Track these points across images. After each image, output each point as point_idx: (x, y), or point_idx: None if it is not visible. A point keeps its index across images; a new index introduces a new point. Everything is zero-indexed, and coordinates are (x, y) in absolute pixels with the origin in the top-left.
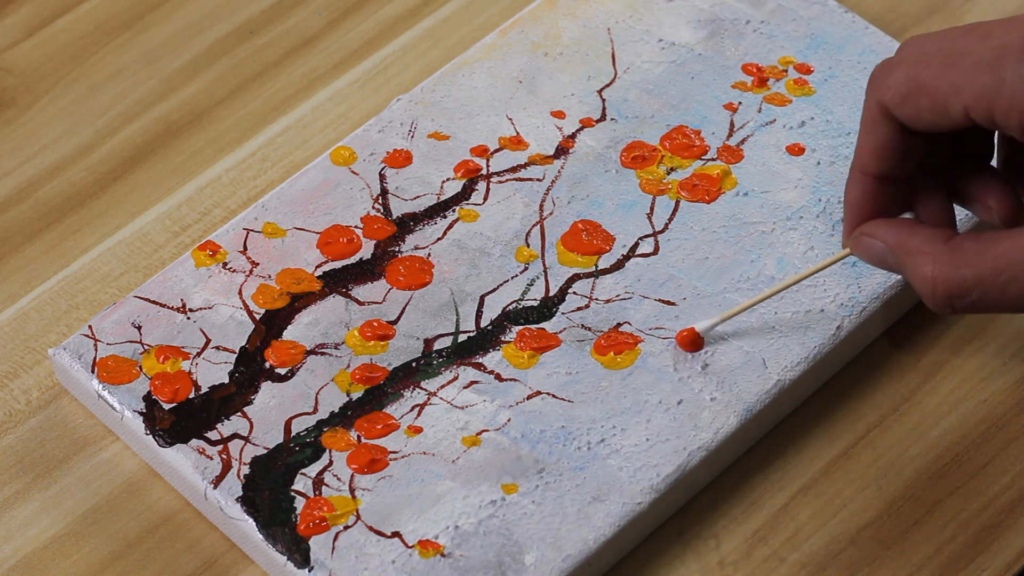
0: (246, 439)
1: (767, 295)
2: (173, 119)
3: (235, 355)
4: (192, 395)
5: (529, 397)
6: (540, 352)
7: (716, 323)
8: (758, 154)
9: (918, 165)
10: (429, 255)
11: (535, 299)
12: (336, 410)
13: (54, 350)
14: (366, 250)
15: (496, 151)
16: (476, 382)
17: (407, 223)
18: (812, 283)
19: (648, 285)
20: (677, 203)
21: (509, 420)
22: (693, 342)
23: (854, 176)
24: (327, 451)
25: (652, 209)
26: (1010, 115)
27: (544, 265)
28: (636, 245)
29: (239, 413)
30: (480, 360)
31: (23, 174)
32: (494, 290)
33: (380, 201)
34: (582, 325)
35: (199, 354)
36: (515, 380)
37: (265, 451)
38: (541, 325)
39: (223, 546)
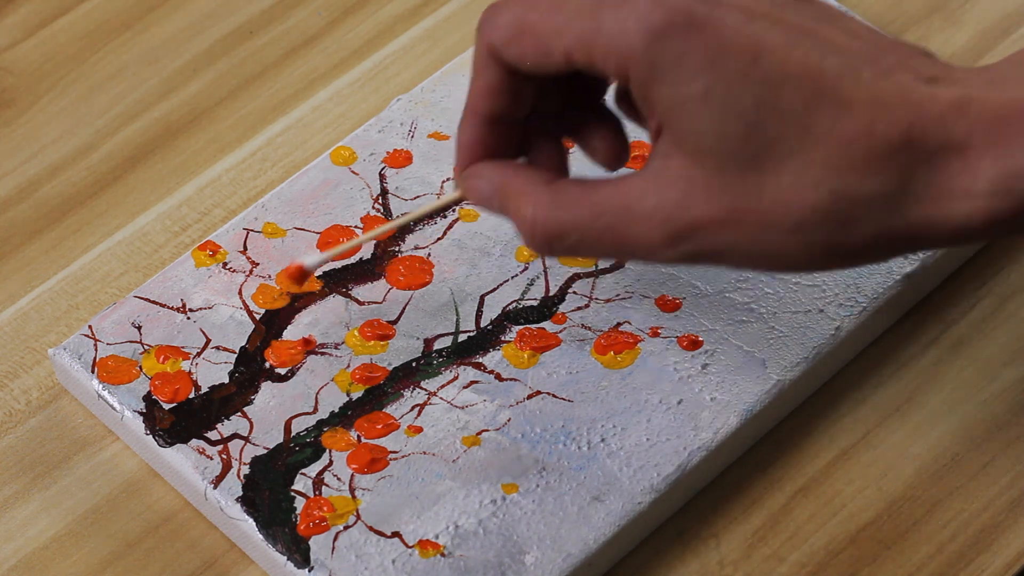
0: (246, 439)
1: (374, 234)
2: (173, 119)
3: (235, 355)
4: (192, 395)
5: (529, 397)
6: (540, 352)
7: (325, 259)
8: None
9: (533, 108)
10: (429, 255)
11: (535, 299)
12: (336, 410)
13: (54, 350)
14: (366, 250)
15: None
16: (476, 382)
17: (407, 223)
18: (812, 283)
19: (648, 284)
20: None
21: (509, 420)
22: (298, 277)
23: (466, 118)
24: (327, 451)
25: None
26: (607, 59)
27: (544, 265)
28: None
29: (239, 413)
30: (480, 360)
31: (23, 174)
32: (494, 290)
33: (380, 201)
34: (582, 325)
35: (199, 354)
36: (515, 380)
37: (265, 451)
38: (541, 325)
39: (223, 546)
